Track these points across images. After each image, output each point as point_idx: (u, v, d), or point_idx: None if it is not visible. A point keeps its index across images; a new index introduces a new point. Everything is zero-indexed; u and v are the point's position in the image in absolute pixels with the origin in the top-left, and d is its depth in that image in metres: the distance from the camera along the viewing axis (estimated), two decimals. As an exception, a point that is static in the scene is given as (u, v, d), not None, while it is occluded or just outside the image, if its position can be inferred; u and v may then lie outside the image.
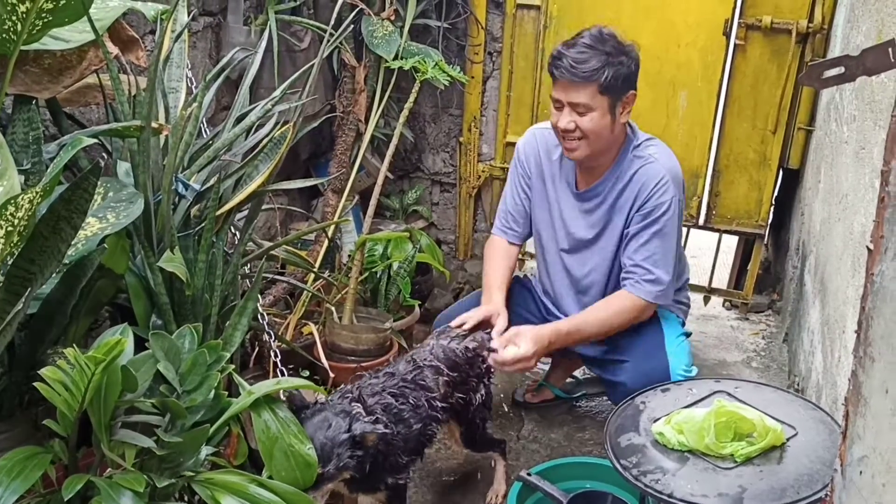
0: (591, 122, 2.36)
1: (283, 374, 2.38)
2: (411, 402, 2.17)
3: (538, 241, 2.76)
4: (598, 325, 2.50)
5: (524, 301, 2.80)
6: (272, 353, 2.40)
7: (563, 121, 2.38)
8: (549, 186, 2.63)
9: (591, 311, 2.53)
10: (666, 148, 2.52)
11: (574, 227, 2.61)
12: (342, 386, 2.19)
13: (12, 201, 1.31)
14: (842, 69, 1.20)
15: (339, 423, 1.95)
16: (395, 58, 3.30)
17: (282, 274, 3.06)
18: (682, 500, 1.77)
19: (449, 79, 3.29)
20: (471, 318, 2.46)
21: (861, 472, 1.13)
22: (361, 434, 1.94)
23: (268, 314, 2.94)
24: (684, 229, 3.71)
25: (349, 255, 3.31)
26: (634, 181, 2.46)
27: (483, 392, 2.42)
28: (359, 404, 2.06)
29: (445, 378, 2.27)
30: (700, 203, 3.62)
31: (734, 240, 3.85)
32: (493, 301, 2.57)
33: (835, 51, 3.14)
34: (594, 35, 2.35)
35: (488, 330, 2.47)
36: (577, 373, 3.18)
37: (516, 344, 2.38)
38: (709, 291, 3.81)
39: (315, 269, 2.97)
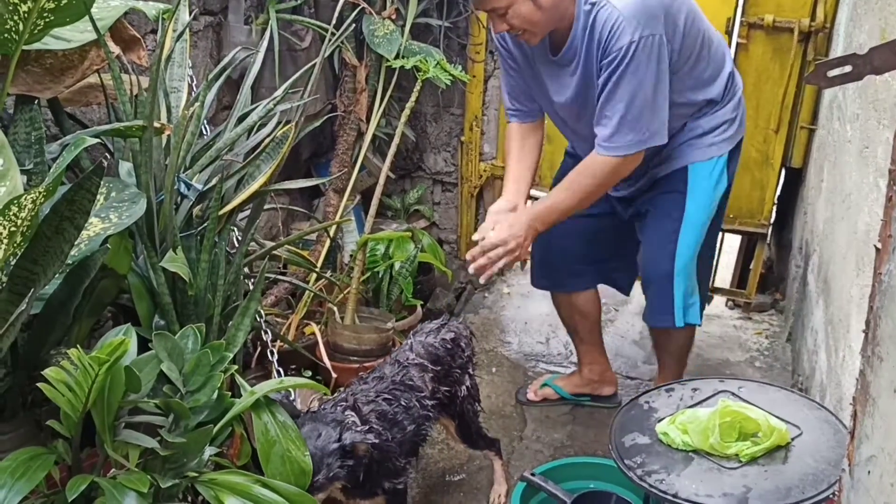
0: (517, 16, 2.25)
1: (280, 375, 2.38)
2: (403, 404, 2.18)
3: (547, 114, 2.67)
4: (578, 193, 2.42)
5: None
6: (270, 352, 2.39)
7: (497, 28, 2.33)
8: (533, 62, 2.52)
9: (566, 180, 2.45)
10: None
11: (566, 92, 2.46)
12: (335, 394, 2.18)
13: (15, 202, 1.31)
14: (848, 68, 1.19)
15: (330, 433, 1.95)
16: (397, 57, 3.30)
17: (284, 274, 3.05)
18: (686, 500, 1.77)
19: (450, 78, 3.29)
20: (484, 228, 2.46)
21: (869, 472, 1.12)
22: (352, 444, 1.94)
23: (270, 314, 2.94)
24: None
25: (351, 255, 3.31)
26: (591, 32, 2.28)
27: (469, 383, 2.42)
28: (353, 413, 2.06)
29: (430, 374, 2.27)
30: (702, 202, 3.61)
31: (737, 239, 3.84)
32: (505, 196, 2.55)
33: (837, 50, 3.13)
34: None
35: (461, 320, 2.48)
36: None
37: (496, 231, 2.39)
38: (711, 291, 3.80)
39: (317, 269, 2.96)
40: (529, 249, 2.49)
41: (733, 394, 2.07)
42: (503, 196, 2.58)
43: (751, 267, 3.76)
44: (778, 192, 3.62)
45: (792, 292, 3.48)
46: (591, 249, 2.81)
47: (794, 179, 3.65)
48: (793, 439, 1.89)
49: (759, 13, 3.30)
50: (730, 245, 3.83)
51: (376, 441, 2.01)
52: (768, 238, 3.70)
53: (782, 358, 3.40)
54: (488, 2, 2.26)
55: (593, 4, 2.26)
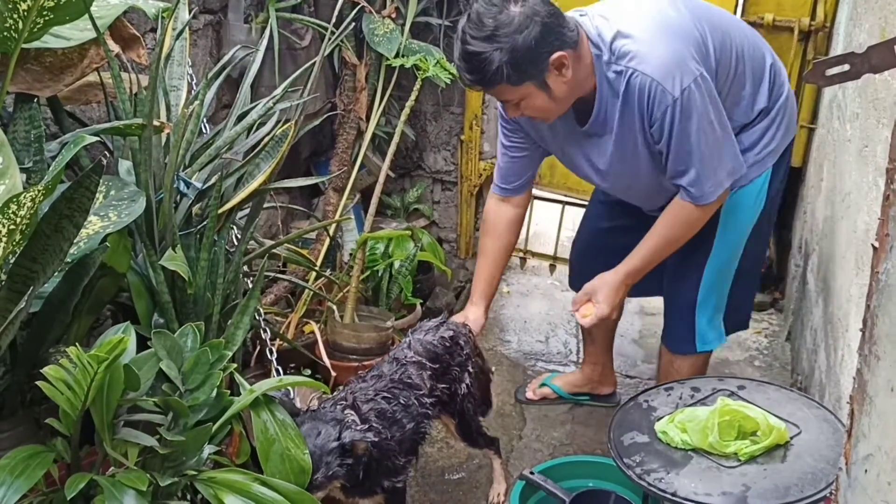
0: (532, 107, 2.18)
1: (279, 373, 2.38)
2: (402, 402, 2.18)
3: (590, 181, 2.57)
4: (671, 244, 2.37)
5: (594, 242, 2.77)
6: (269, 351, 2.39)
7: (510, 114, 2.28)
8: (556, 134, 2.42)
9: (656, 233, 2.38)
10: (640, 38, 2.15)
11: (603, 158, 2.36)
12: (335, 393, 2.17)
13: (14, 200, 1.31)
14: (847, 67, 1.20)
15: (329, 432, 1.95)
16: (397, 56, 3.30)
17: (283, 273, 3.05)
18: (685, 499, 1.77)
19: (450, 77, 3.29)
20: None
21: (866, 471, 1.12)
22: (351, 442, 1.94)
23: (269, 313, 2.94)
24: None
25: (350, 254, 3.31)
26: (629, 102, 2.18)
27: (468, 381, 2.42)
28: (353, 411, 2.06)
29: (429, 371, 2.27)
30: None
31: (736, 238, 3.84)
32: (471, 311, 2.57)
33: (837, 49, 3.13)
34: (472, 23, 2.08)
35: (464, 321, 2.49)
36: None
37: (595, 301, 2.37)
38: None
39: (316, 268, 2.96)
40: (612, 312, 2.43)
41: (732, 393, 2.08)
42: (472, 297, 2.61)
43: (750, 266, 3.75)
44: (778, 192, 3.62)
45: (791, 291, 3.48)
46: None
47: (794, 178, 3.65)
48: (792, 438, 1.90)
49: (759, 12, 3.30)
50: (729, 244, 3.82)
51: (375, 440, 2.01)
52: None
53: (781, 357, 3.40)
54: (500, 94, 2.18)
55: (619, 73, 2.16)
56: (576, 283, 2.85)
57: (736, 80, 2.32)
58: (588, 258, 2.77)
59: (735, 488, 1.78)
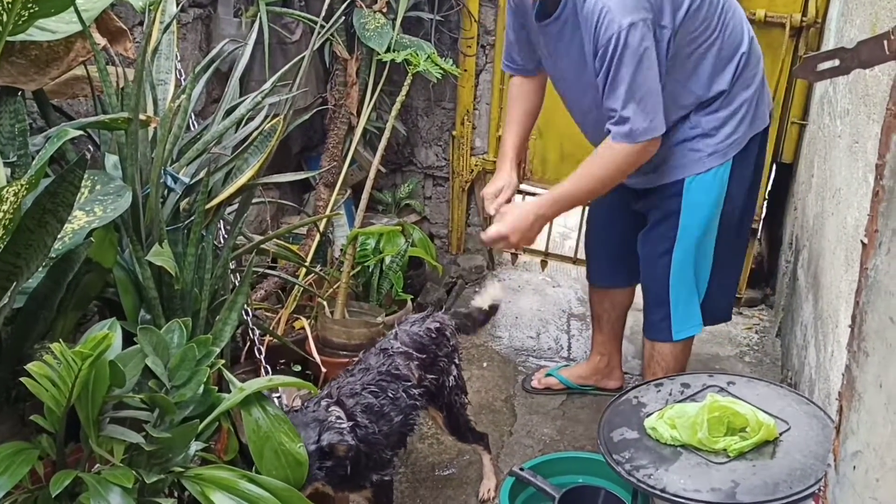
0: None
1: (267, 371, 2.36)
2: (390, 395, 2.17)
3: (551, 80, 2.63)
4: (590, 182, 2.38)
5: None
6: (257, 350, 2.38)
7: None
8: (525, 19, 2.47)
9: (579, 170, 2.39)
10: None
11: (557, 60, 2.43)
12: (320, 391, 2.15)
13: (-3, 194, 1.30)
14: (836, 62, 1.19)
15: (309, 434, 1.94)
16: (388, 50, 3.28)
17: (273, 268, 3.04)
18: (674, 495, 1.77)
19: (441, 72, 3.28)
20: (487, 198, 2.51)
21: (855, 468, 1.12)
22: (329, 445, 1.93)
23: (259, 309, 2.93)
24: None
25: (341, 250, 3.29)
26: (578, 19, 2.24)
27: (455, 374, 2.42)
28: (338, 408, 2.05)
29: (416, 362, 2.27)
30: (693, 197, 3.61)
31: (727, 234, 3.84)
32: (502, 172, 2.58)
33: (828, 44, 3.13)
34: None
35: (445, 310, 2.54)
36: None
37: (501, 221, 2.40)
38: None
39: (306, 264, 2.95)
40: (535, 237, 2.46)
41: (722, 389, 2.07)
42: (498, 169, 2.61)
43: (741, 262, 3.76)
44: (769, 188, 3.62)
45: (782, 287, 3.48)
46: (629, 247, 2.73)
47: (785, 175, 3.65)
48: (781, 434, 1.89)
49: (751, 7, 3.29)
50: (721, 240, 3.82)
51: (352, 443, 2.00)
52: (759, 233, 3.70)
53: (772, 353, 3.41)
54: None
55: None
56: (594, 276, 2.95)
57: (703, 46, 2.34)
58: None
59: (724, 484, 1.77)
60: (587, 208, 2.99)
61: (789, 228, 3.47)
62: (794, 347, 2.97)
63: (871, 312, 1.07)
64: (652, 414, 2.00)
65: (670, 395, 2.10)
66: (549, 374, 3.12)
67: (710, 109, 2.42)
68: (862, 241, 1.10)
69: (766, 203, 3.62)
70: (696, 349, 3.41)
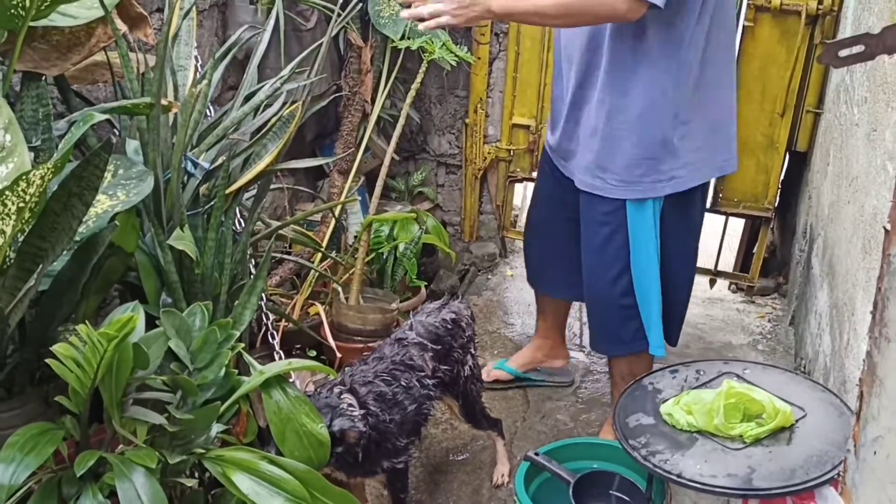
0: None
1: (280, 357, 2.37)
2: (403, 384, 2.18)
3: None
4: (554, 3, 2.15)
5: None
6: (270, 335, 2.39)
7: None
8: None
9: None
10: None
11: None
12: (333, 378, 2.16)
13: (24, 177, 1.31)
14: (861, 48, 1.19)
15: None
16: (402, 38, 3.28)
17: (289, 254, 3.05)
18: (690, 481, 1.78)
19: (456, 59, 3.28)
20: None
21: (875, 453, 1.13)
22: (341, 430, 1.94)
23: (275, 294, 2.94)
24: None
25: (355, 236, 3.31)
26: None
27: (471, 363, 2.43)
28: (350, 395, 2.06)
29: (430, 353, 2.28)
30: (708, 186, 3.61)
31: (741, 223, 3.84)
32: None
33: (845, 33, 3.12)
34: None
35: (463, 301, 2.50)
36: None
37: None
38: (714, 274, 3.81)
39: (322, 249, 2.96)
40: (460, 20, 2.18)
41: (738, 375, 2.08)
42: None
43: (754, 251, 3.76)
44: (782, 177, 3.61)
45: (795, 276, 3.48)
46: (569, 253, 2.67)
47: (799, 163, 3.65)
48: (797, 421, 1.90)
49: (767, -5, 3.28)
50: (733, 229, 3.83)
51: (364, 430, 2.01)
52: (772, 222, 3.70)
53: (785, 341, 3.41)
54: None
55: None
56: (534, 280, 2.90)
57: (722, 48, 2.33)
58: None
59: (740, 470, 1.78)
60: (533, 214, 2.86)
61: (803, 217, 3.46)
62: (808, 336, 2.97)
63: (893, 298, 1.07)
64: (668, 400, 2.01)
65: (686, 381, 2.11)
66: (496, 368, 3.07)
67: (656, 118, 2.32)
68: (885, 228, 1.10)
69: (779, 192, 3.61)
70: (708, 337, 3.43)
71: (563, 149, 2.54)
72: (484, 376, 3.05)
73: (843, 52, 1.21)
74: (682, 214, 2.46)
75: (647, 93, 2.29)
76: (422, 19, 2.19)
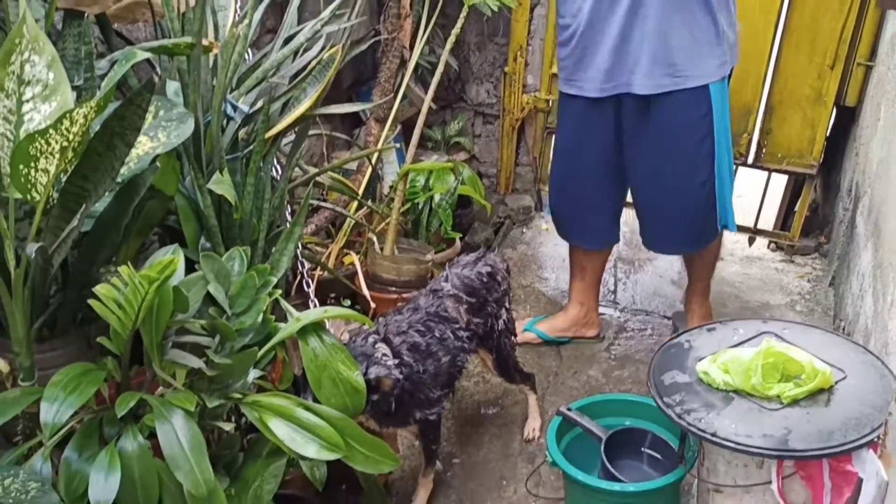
0: None
1: (315, 305, 2.38)
2: (437, 335, 2.18)
3: None
4: None
5: None
6: (306, 283, 2.39)
7: None
8: None
9: None
10: None
11: None
12: (368, 328, 2.16)
13: (67, 116, 1.30)
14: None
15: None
16: (443, -19, 3.22)
17: (324, 203, 3.05)
18: (725, 440, 1.76)
19: (497, 3, 3.20)
20: None
21: (924, 417, 1.10)
22: (376, 378, 1.95)
23: (310, 243, 2.94)
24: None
25: (391, 186, 3.29)
26: None
27: (505, 317, 2.42)
28: (385, 345, 2.06)
29: (465, 306, 2.27)
30: (750, 140, 3.53)
31: (783, 180, 3.76)
32: None
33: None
34: None
35: (499, 254, 2.52)
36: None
37: None
38: (754, 232, 3.75)
39: (359, 197, 2.95)
40: None
41: (777, 335, 2.04)
42: None
43: (795, 209, 3.69)
44: (828, 132, 3.52)
45: (838, 235, 3.41)
46: (602, 198, 2.84)
47: (846, 119, 3.55)
48: (836, 382, 1.87)
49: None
50: (775, 186, 3.75)
51: (400, 377, 2.02)
52: (816, 179, 3.62)
53: (824, 302, 3.36)
54: None
55: None
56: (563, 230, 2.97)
57: None
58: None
59: (777, 431, 1.76)
60: (560, 169, 2.91)
61: (849, 175, 3.38)
62: (849, 297, 2.92)
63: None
64: (704, 358, 1.98)
65: (723, 339, 2.08)
66: (526, 329, 3.06)
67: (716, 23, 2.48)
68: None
69: (824, 148, 3.53)
70: (745, 296, 3.38)
71: (617, 70, 2.55)
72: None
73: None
74: (725, 95, 2.61)
75: None
76: None
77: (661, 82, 2.49)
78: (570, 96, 2.67)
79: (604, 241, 2.96)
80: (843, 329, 2.91)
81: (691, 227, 2.73)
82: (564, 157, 2.82)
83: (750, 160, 3.58)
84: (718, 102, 2.54)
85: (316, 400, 1.72)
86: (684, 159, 2.59)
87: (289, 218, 2.30)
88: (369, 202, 3.17)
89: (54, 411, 1.39)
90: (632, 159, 2.67)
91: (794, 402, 1.83)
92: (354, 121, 3.64)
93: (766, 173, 3.65)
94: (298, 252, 2.36)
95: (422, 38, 3.32)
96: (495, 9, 3.22)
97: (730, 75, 2.61)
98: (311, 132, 2.64)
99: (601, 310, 3.22)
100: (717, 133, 2.56)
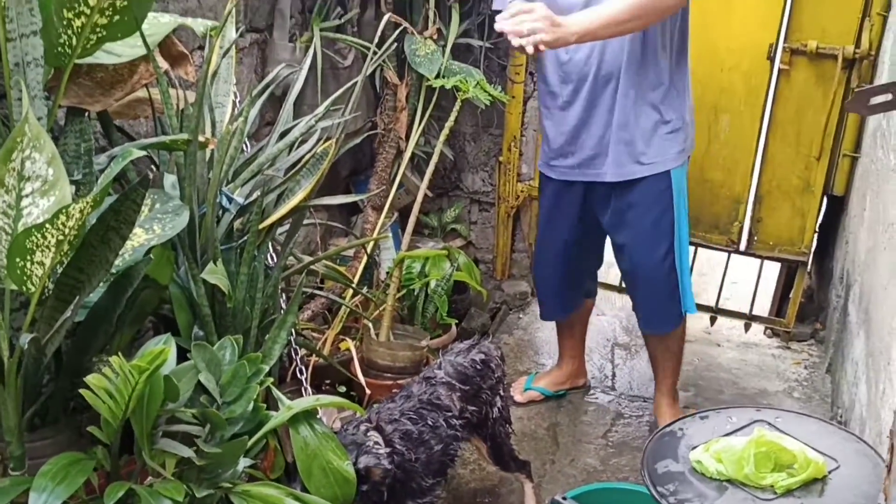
0: None
1: (309, 392, 2.39)
2: (429, 423, 2.17)
3: None
4: (629, 7, 2.36)
5: None
6: (299, 370, 2.41)
7: None
8: None
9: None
10: None
11: None
12: (360, 415, 2.16)
13: (64, 211, 1.34)
14: (889, 96, 1.19)
15: None
16: (437, 76, 3.32)
17: (320, 289, 3.08)
18: (719, 530, 1.74)
19: (490, 98, 3.30)
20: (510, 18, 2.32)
21: (908, 508, 1.10)
22: (366, 468, 1.94)
23: (306, 329, 2.96)
24: (724, 254, 3.70)
25: (387, 272, 3.32)
26: None
27: (500, 405, 2.42)
28: (376, 433, 2.06)
29: (458, 393, 2.27)
30: (741, 228, 3.59)
31: (776, 267, 3.80)
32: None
33: (882, 77, 3.10)
34: None
35: (493, 341, 2.59)
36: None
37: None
38: (749, 318, 3.76)
39: (353, 285, 2.98)
40: (552, 40, 2.30)
41: (770, 423, 2.04)
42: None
43: (790, 296, 3.71)
44: (819, 220, 3.58)
45: (832, 322, 3.43)
46: (573, 269, 3.01)
47: (837, 207, 3.61)
48: (830, 472, 1.86)
49: (803, 39, 3.28)
50: (769, 273, 3.78)
51: (389, 467, 2.00)
52: (809, 266, 3.65)
53: (821, 389, 3.35)
54: None
55: None
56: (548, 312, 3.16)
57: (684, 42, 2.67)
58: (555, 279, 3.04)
59: (771, 521, 1.74)
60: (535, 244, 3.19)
61: (840, 262, 3.42)
62: (845, 384, 2.91)
63: (928, 350, 1.05)
64: (697, 447, 1.97)
65: (716, 427, 2.07)
66: (527, 389, 3.23)
67: (672, 104, 2.65)
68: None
69: (816, 236, 3.58)
70: (742, 383, 3.38)
71: (587, 159, 2.74)
72: (518, 398, 3.20)
73: (873, 100, 1.21)
74: (685, 178, 2.77)
75: (661, 78, 2.61)
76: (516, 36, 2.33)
77: (631, 170, 2.67)
78: (547, 177, 2.90)
79: (567, 310, 3.14)
80: (841, 417, 2.90)
81: (657, 304, 2.85)
82: (542, 231, 3.04)
83: (742, 247, 3.63)
84: (678, 183, 2.70)
85: (305, 489, 1.71)
86: (647, 232, 2.73)
87: (283, 305, 2.32)
88: (364, 289, 3.20)
89: (42, 501, 1.38)
90: (609, 234, 2.87)
91: (788, 492, 1.81)
92: (352, 208, 3.71)
93: (758, 261, 3.69)
94: (292, 339, 2.37)
95: (417, 130, 3.41)
96: (488, 103, 3.32)
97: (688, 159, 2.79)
98: (307, 221, 2.70)
99: (598, 395, 3.26)
100: (678, 208, 2.71)
